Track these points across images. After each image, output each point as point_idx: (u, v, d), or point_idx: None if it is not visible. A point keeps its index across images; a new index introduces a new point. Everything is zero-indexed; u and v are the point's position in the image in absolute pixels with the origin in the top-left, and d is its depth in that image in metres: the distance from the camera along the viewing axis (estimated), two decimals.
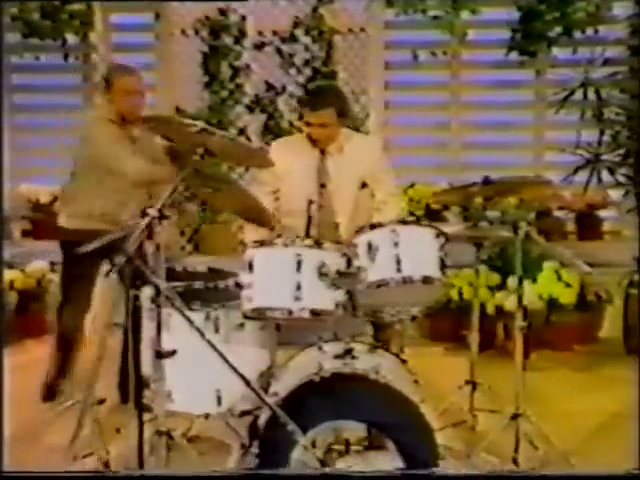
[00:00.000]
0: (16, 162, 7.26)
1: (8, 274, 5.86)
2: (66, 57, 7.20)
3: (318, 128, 3.95)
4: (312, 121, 3.96)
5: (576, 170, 6.69)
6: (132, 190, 4.12)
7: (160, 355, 2.88)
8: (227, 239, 7.13)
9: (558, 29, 6.73)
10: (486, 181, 3.60)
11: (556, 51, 6.92)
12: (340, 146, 4.04)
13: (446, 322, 5.71)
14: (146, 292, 3.10)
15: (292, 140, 4.34)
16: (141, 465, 2.77)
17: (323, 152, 4.02)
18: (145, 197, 4.16)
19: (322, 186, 3.98)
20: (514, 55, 6.91)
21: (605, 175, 6.68)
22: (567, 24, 6.69)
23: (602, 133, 6.76)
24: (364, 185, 4.03)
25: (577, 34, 6.78)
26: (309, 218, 3.86)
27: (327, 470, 2.86)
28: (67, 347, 4.38)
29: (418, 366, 3.60)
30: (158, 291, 2.75)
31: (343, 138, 4.06)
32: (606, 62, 6.79)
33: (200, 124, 2.99)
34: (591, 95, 6.77)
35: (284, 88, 7.22)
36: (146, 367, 3.04)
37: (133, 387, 2.83)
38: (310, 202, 3.88)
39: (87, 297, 4.32)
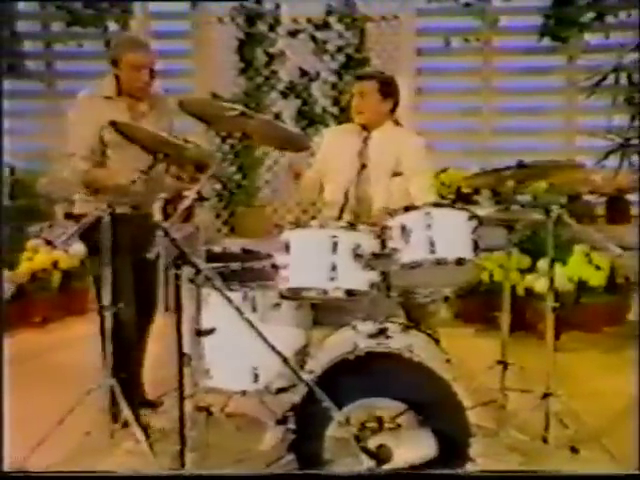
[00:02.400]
0: (60, 147, 7.33)
1: (52, 254, 5.95)
2: (107, 44, 7.23)
3: (357, 97, 4.04)
4: (354, 90, 4.07)
5: (607, 154, 6.60)
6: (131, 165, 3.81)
7: (199, 333, 2.90)
8: (262, 222, 7.15)
9: (590, 14, 6.63)
10: (520, 165, 3.57)
11: (588, 36, 6.82)
12: (384, 132, 4.06)
13: (476, 304, 5.70)
14: (185, 272, 3.13)
15: (343, 126, 4.43)
16: (182, 439, 2.79)
17: (367, 137, 4.03)
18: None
19: (363, 166, 3.99)
20: (546, 41, 6.81)
21: (636, 159, 6.60)
22: (599, 9, 6.58)
23: (633, 118, 6.66)
24: (398, 174, 4.03)
25: (609, 18, 6.67)
26: (346, 193, 3.88)
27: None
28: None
29: (449, 346, 3.60)
30: (198, 271, 2.76)
31: (389, 127, 4.10)
32: (638, 46, 6.68)
33: (239, 107, 2.99)
34: (623, 80, 6.66)
35: (318, 74, 7.22)
36: (186, 345, 3.07)
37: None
38: (350, 181, 3.90)
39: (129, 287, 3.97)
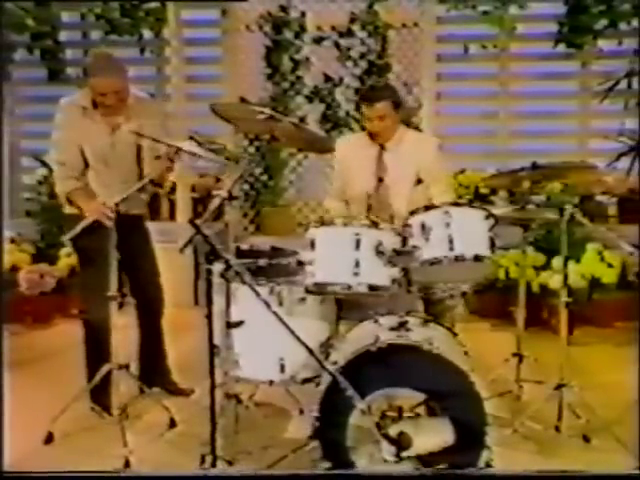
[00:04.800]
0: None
1: None
2: (142, 51, 7.31)
3: (376, 121, 3.93)
4: (370, 114, 3.92)
5: (619, 157, 6.57)
6: (112, 176, 3.98)
7: (229, 325, 2.92)
8: (286, 221, 7.18)
9: (604, 21, 6.59)
10: (534, 166, 3.57)
11: (601, 43, 6.77)
12: (397, 142, 4.02)
13: (493, 300, 5.70)
14: (216, 267, 3.15)
15: (354, 137, 4.36)
16: (213, 424, 2.82)
17: (382, 148, 4.01)
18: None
19: (380, 180, 3.98)
20: (561, 47, 6.79)
21: None
22: (613, 16, 6.54)
23: None
24: (420, 181, 4.02)
25: (622, 26, 6.62)
26: (368, 207, 3.88)
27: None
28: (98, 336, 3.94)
29: (467, 340, 3.60)
30: (228, 266, 2.78)
31: (401, 135, 4.04)
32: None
33: (267, 111, 3.01)
34: (635, 85, 6.62)
35: (341, 80, 7.22)
36: (216, 337, 3.09)
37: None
38: (368, 196, 3.90)
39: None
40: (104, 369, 3.65)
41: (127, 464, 3.34)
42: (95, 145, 3.93)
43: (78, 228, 3.52)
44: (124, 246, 3.66)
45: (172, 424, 3.80)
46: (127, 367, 3.70)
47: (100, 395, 3.78)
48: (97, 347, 3.90)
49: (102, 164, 3.96)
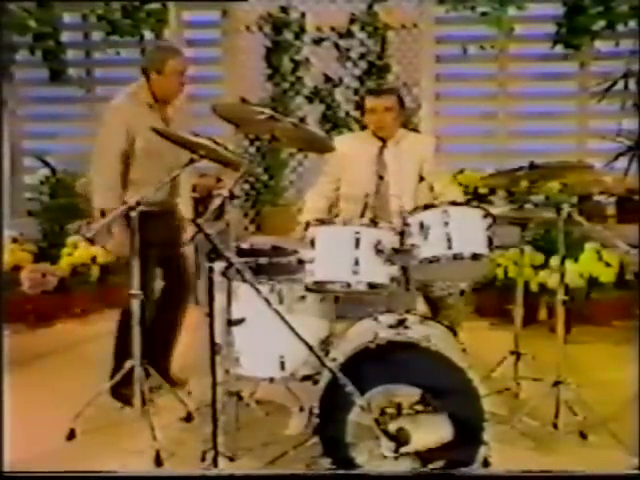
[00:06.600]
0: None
1: (91, 250, 6.04)
2: (143, 52, 7.31)
3: (381, 113, 4.02)
4: (376, 106, 4.02)
5: (617, 157, 6.60)
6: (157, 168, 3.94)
7: (230, 323, 2.94)
8: (287, 220, 7.19)
9: (602, 23, 6.63)
10: (532, 165, 3.59)
11: (599, 44, 6.80)
12: (397, 141, 4.10)
13: (491, 298, 5.71)
14: (217, 266, 3.18)
15: (355, 135, 4.45)
16: (215, 421, 2.84)
17: (382, 147, 4.07)
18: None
19: (380, 178, 4.03)
20: (559, 48, 6.82)
21: None
22: (610, 18, 6.57)
23: None
24: (422, 179, 4.08)
25: (620, 27, 6.65)
26: (365, 205, 3.91)
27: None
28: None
29: (465, 338, 3.63)
30: (229, 265, 2.80)
31: (400, 135, 4.14)
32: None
33: (268, 111, 3.04)
34: (632, 85, 6.65)
35: (341, 80, 7.23)
36: (217, 335, 3.11)
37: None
38: (366, 195, 3.93)
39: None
40: (127, 365, 3.64)
41: (158, 458, 3.37)
42: (147, 133, 3.84)
43: (97, 226, 3.53)
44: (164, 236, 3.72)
45: (188, 418, 3.82)
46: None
47: (121, 389, 3.78)
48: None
49: (148, 156, 3.96)
